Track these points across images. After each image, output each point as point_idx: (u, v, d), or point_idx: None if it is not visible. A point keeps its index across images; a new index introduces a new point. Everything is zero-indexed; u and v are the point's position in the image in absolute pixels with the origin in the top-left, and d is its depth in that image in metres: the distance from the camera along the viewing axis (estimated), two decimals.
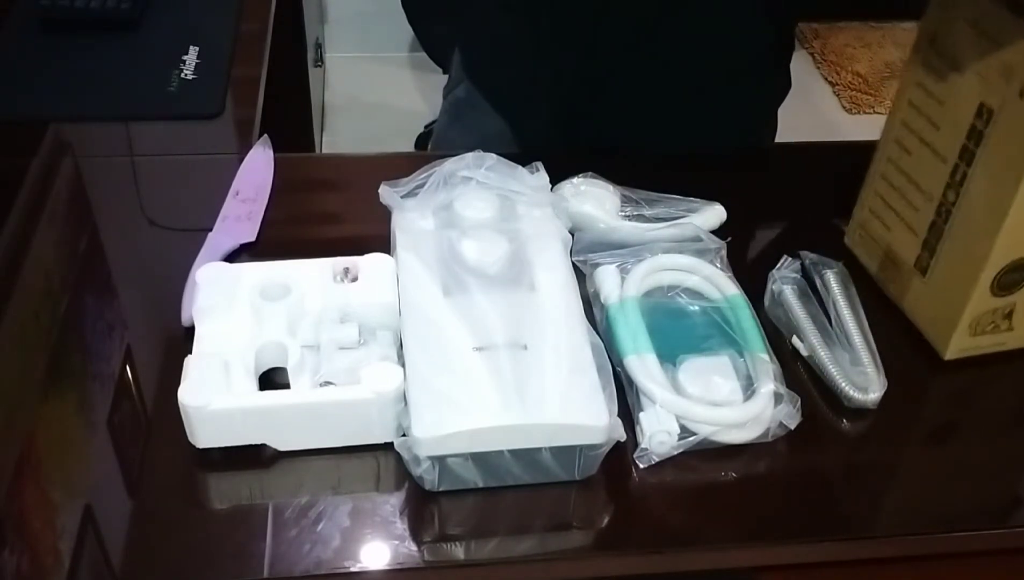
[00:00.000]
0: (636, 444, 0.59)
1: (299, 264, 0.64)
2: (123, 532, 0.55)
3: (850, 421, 0.63)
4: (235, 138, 0.87)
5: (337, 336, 0.60)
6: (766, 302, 0.70)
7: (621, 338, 0.63)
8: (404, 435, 0.55)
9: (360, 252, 0.65)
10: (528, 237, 0.66)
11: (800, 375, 0.66)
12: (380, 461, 0.58)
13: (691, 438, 0.59)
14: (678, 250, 0.69)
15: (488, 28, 0.97)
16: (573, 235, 0.70)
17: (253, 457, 0.58)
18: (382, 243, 0.68)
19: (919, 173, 0.67)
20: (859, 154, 0.74)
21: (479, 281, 0.62)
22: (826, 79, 2.57)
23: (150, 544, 0.54)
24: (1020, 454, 0.63)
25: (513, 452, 0.55)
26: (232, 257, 0.70)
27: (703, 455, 0.60)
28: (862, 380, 0.63)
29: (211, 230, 0.72)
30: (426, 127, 2.09)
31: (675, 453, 0.59)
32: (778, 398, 0.61)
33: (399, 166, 0.71)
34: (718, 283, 0.68)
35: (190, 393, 0.56)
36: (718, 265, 0.69)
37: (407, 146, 2.04)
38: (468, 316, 0.60)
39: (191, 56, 0.94)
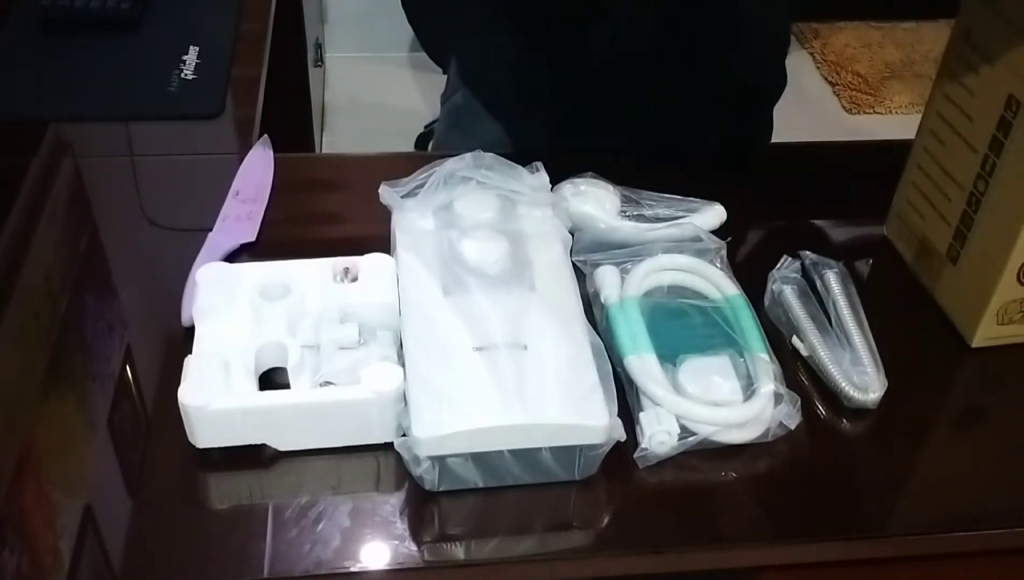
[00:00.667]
0: (636, 444, 0.59)
1: (299, 264, 0.64)
2: (123, 532, 0.55)
3: (850, 421, 0.63)
4: (235, 138, 0.87)
5: (337, 336, 0.60)
6: (766, 302, 0.70)
7: (621, 338, 0.63)
8: (404, 435, 0.55)
9: (360, 252, 0.65)
10: (528, 237, 0.66)
11: (800, 375, 0.66)
12: (380, 461, 0.58)
13: (691, 438, 0.59)
14: (678, 250, 0.69)
15: (483, 36, 0.97)
16: (573, 235, 0.70)
17: (253, 457, 0.58)
18: (382, 243, 0.68)
19: (952, 164, 0.69)
20: (859, 154, 0.74)
21: (479, 281, 0.62)
22: (826, 79, 2.56)
23: (150, 544, 0.54)
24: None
25: (513, 452, 0.55)
26: (232, 257, 0.70)
27: (703, 455, 0.60)
28: (862, 380, 0.63)
29: (211, 230, 0.72)
30: (426, 127, 2.09)
31: (675, 453, 0.59)
32: (778, 398, 0.61)
33: (399, 166, 0.71)
34: (718, 283, 0.68)
35: (190, 393, 0.56)
36: (718, 265, 0.69)
37: (407, 146, 2.04)
38: (468, 316, 0.60)
39: (191, 56, 0.94)
